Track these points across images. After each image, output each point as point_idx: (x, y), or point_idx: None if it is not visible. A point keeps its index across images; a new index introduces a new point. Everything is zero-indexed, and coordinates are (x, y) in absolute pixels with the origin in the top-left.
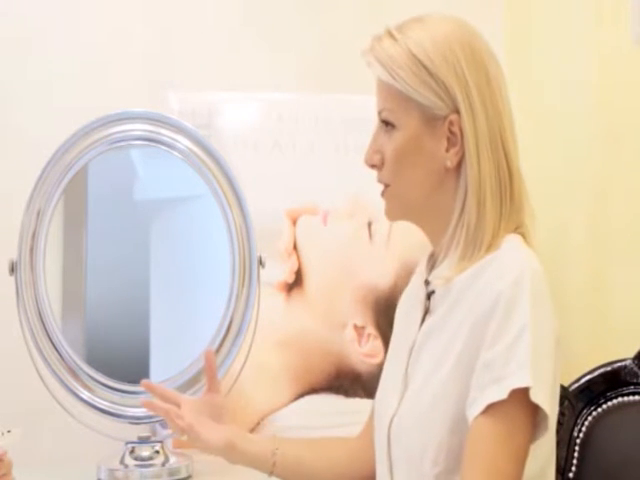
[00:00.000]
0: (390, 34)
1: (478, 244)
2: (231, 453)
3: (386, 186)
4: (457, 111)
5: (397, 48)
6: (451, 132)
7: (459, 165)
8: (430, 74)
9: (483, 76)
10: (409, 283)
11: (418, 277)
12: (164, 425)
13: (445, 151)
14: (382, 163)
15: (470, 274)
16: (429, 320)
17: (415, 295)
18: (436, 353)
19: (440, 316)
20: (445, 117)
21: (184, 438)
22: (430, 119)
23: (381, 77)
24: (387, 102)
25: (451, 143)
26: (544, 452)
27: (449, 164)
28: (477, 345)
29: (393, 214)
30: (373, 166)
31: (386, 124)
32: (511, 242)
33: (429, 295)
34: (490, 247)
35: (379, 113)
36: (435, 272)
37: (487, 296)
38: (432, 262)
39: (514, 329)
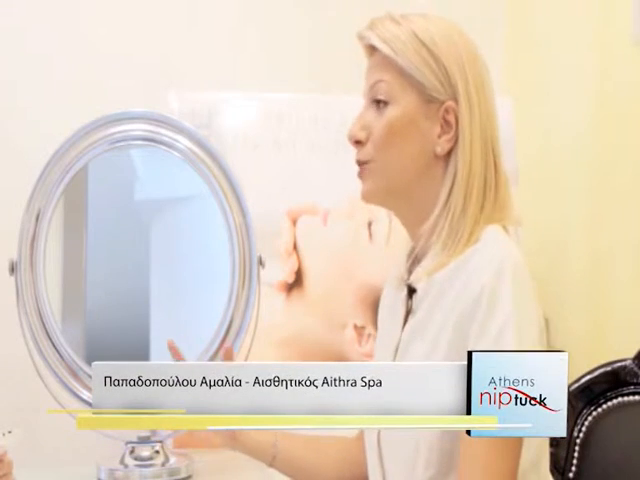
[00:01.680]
0: (393, 18)
1: (458, 237)
2: (232, 444)
3: (367, 163)
4: (454, 99)
5: (401, 29)
6: (445, 120)
7: (448, 154)
8: (433, 56)
9: (479, 78)
10: (387, 281)
11: (397, 275)
12: None
13: (437, 137)
14: (367, 140)
15: (451, 269)
16: (412, 319)
17: (395, 294)
18: (422, 353)
19: (423, 315)
20: (442, 102)
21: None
22: (426, 101)
23: (381, 49)
24: (384, 75)
25: (444, 130)
26: (536, 443)
27: (439, 150)
28: (463, 342)
29: (371, 195)
30: (357, 142)
31: (378, 103)
32: (491, 233)
33: (410, 294)
34: (469, 240)
35: (372, 87)
36: (415, 272)
37: (470, 291)
38: (412, 259)
39: (497, 323)
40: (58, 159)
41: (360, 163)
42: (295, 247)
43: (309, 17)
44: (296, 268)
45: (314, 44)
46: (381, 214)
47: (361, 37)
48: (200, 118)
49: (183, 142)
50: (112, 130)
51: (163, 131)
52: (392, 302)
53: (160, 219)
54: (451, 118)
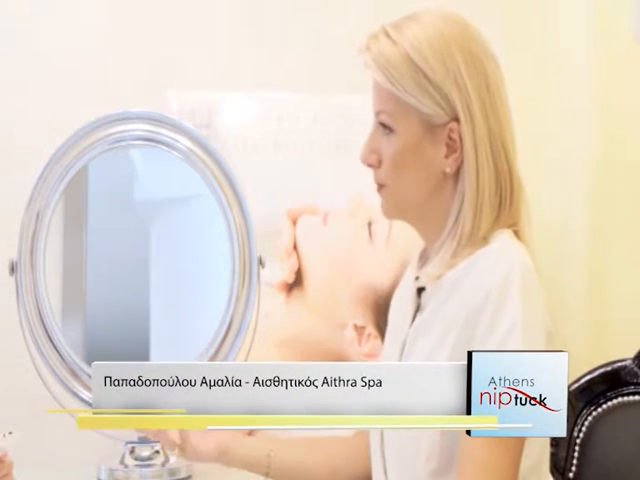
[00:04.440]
0: (386, 33)
1: (470, 244)
2: (224, 458)
3: (383, 186)
4: (457, 119)
5: (394, 51)
6: (450, 139)
7: (458, 171)
8: (429, 82)
9: (483, 81)
10: (401, 282)
11: (410, 274)
12: None
13: (444, 157)
14: (379, 163)
15: (460, 269)
16: (420, 317)
17: (406, 292)
18: (427, 351)
19: (430, 312)
20: (445, 124)
21: (174, 452)
22: (429, 126)
23: (379, 81)
24: (385, 105)
25: (451, 149)
26: (537, 445)
27: (448, 170)
28: (469, 342)
29: (389, 213)
30: (370, 165)
31: (384, 127)
32: (501, 236)
33: (419, 292)
34: (480, 242)
35: (377, 114)
36: (425, 269)
37: (477, 292)
38: (424, 258)
39: (504, 325)
40: (58, 159)
41: (377, 184)
42: (295, 247)
43: (309, 17)
44: (296, 268)
45: (314, 44)
46: (381, 214)
47: (360, 60)
48: (200, 118)
49: (183, 142)
50: (112, 130)
51: (163, 131)
52: (402, 300)
53: (160, 219)
54: (456, 137)
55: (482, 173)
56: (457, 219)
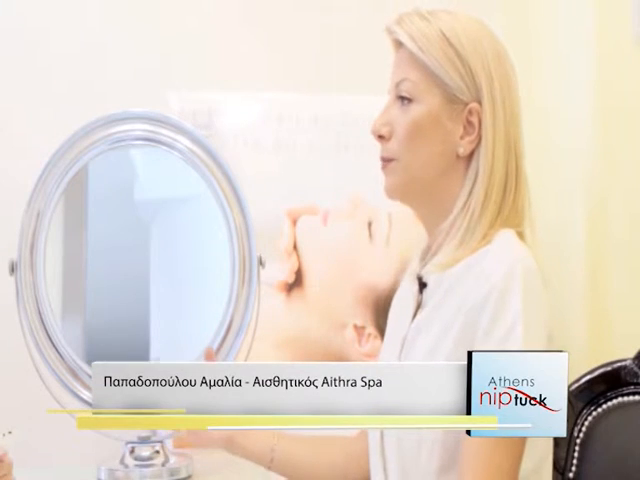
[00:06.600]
0: (421, 14)
1: (475, 237)
2: (230, 447)
3: (391, 160)
4: (478, 101)
5: (429, 26)
6: (468, 121)
7: (469, 156)
8: (459, 56)
9: (505, 79)
10: (403, 280)
11: (411, 270)
12: None
13: (459, 138)
14: (390, 136)
15: (462, 267)
16: (421, 314)
17: (407, 290)
18: (427, 348)
19: (431, 310)
20: (466, 104)
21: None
22: (450, 101)
23: (408, 46)
24: (410, 73)
25: (467, 132)
26: (539, 448)
27: (461, 152)
28: (469, 341)
29: (394, 191)
30: (380, 137)
31: (403, 99)
32: (504, 236)
33: (421, 289)
34: (483, 240)
35: (397, 85)
36: (428, 266)
37: (479, 291)
38: (425, 254)
39: (506, 325)
40: (58, 159)
41: (384, 160)
42: (295, 247)
43: (309, 17)
44: (296, 268)
45: (314, 44)
46: (381, 214)
47: (389, 31)
48: (200, 118)
49: (183, 142)
50: (112, 130)
51: (163, 131)
52: (404, 297)
53: (160, 219)
54: (474, 120)
55: (497, 155)
56: (467, 202)
